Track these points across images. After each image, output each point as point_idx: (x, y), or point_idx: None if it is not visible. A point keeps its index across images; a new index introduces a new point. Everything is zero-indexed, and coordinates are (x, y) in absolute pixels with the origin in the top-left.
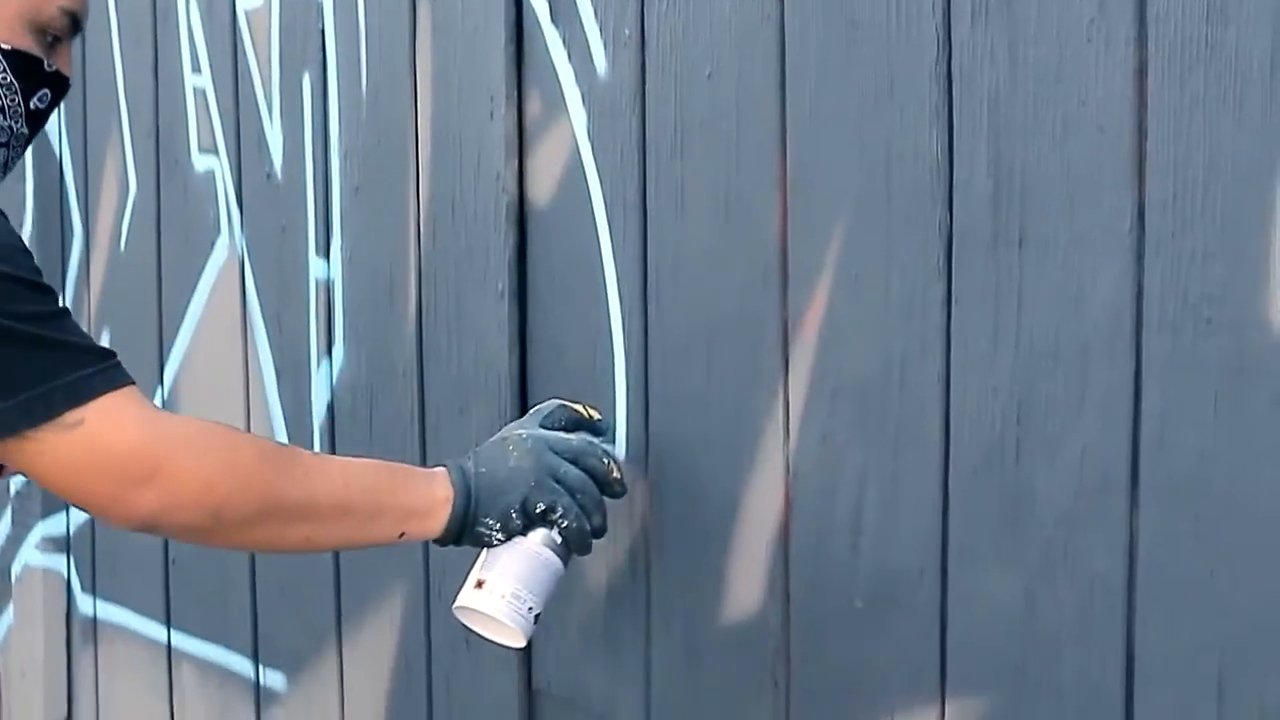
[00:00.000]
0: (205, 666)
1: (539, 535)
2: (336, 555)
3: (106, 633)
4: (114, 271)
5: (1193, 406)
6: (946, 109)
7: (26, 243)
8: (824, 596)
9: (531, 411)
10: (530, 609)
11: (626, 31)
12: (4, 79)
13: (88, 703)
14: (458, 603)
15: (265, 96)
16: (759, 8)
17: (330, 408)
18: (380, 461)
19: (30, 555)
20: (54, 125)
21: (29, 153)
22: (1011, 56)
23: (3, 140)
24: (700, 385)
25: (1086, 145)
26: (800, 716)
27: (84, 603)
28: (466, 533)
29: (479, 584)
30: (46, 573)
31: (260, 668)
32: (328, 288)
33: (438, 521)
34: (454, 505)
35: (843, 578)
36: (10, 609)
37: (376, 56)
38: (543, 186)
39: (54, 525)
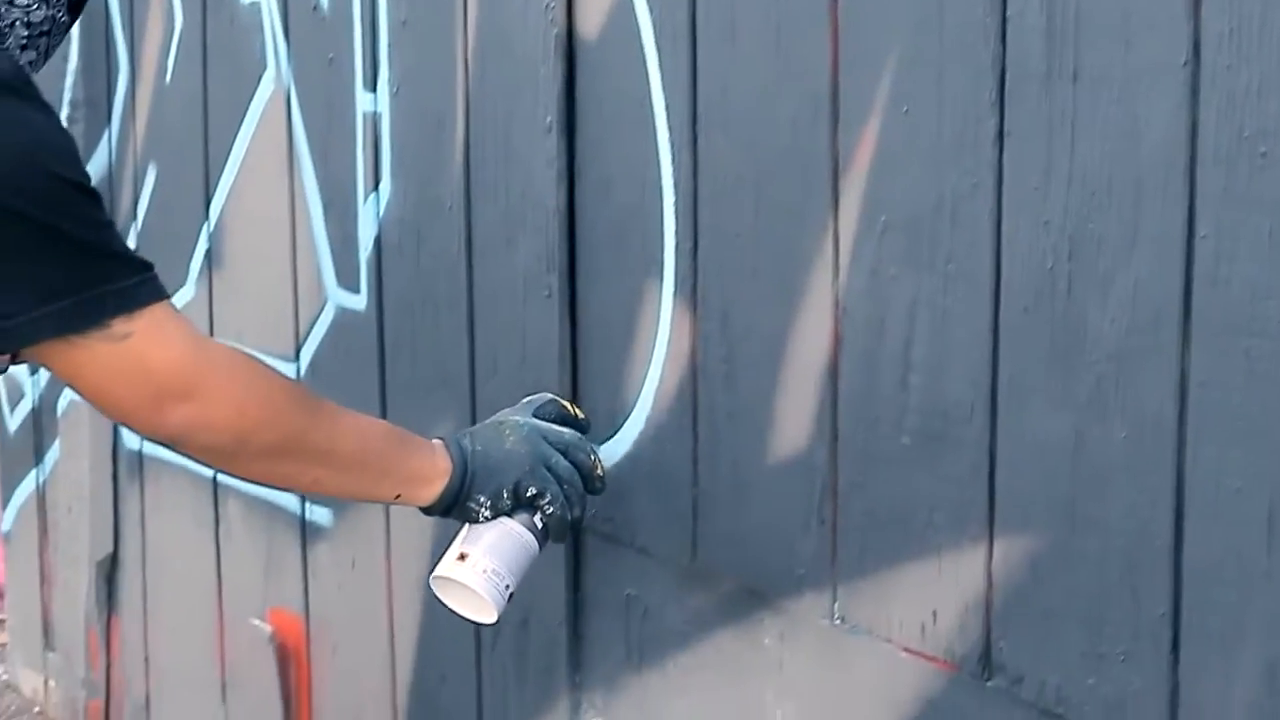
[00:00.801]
0: (251, 501)
1: (523, 518)
2: (383, 393)
3: (153, 467)
4: (160, 105)
5: (1246, 242)
6: None
7: (71, 77)
8: (872, 433)
9: (525, 401)
10: (507, 587)
11: None
12: None
13: (134, 537)
14: (438, 572)
15: None
16: None
17: (377, 242)
18: (390, 425)
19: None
20: None
21: None
22: None
23: (46, 29)
24: (749, 220)
25: None
26: (847, 554)
27: (130, 437)
28: (457, 506)
29: (462, 557)
30: (93, 409)
31: (306, 502)
32: (374, 121)
33: (433, 491)
34: (450, 478)
35: (891, 414)
36: (57, 443)
37: None
38: (591, 18)
39: None
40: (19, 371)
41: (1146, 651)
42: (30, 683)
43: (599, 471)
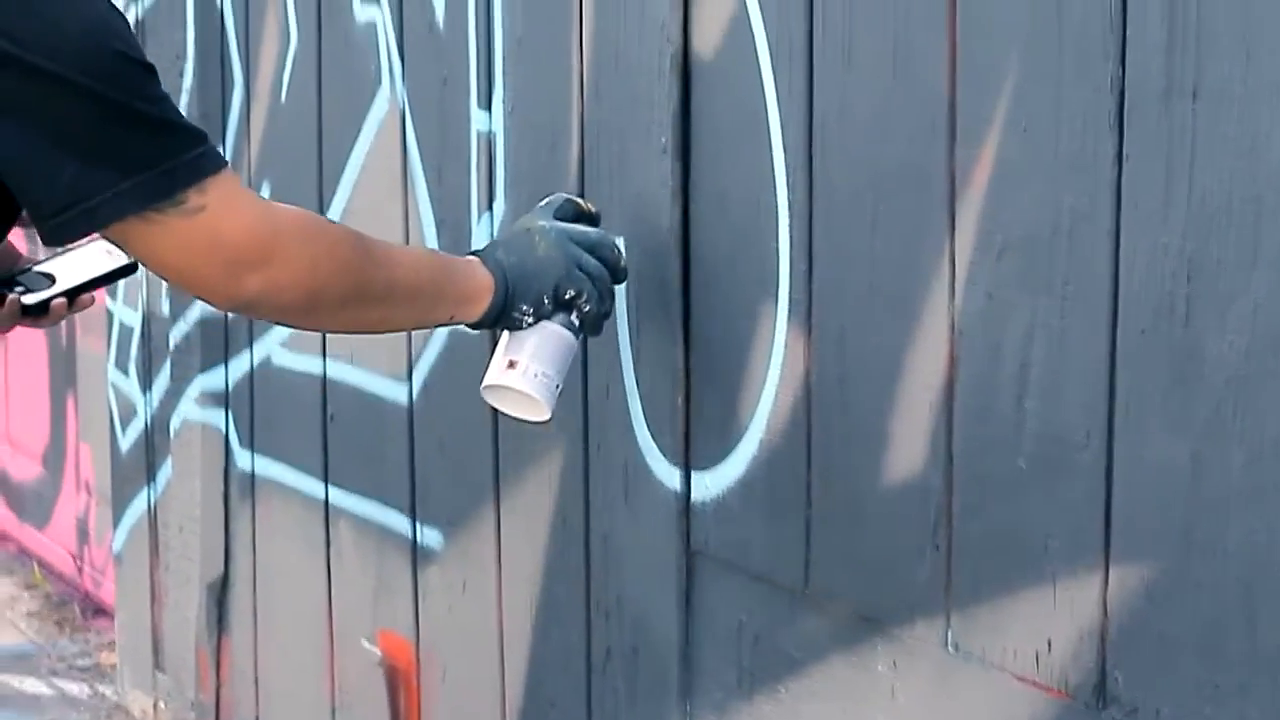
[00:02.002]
0: (362, 524)
1: (560, 318)
2: (495, 412)
3: (264, 488)
4: (274, 123)
5: None
6: None
7: (187, 93)
8: (987, 457)
9: (543, 204)
10: (557, 386)
11: None
12: None
13: (244, 558)
14: (489, 381)
15: None
16: None
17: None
18: (431, 251)
19: (189, 409)
20: None
21: (190, 2)
22: None
23: None
24: (865, 240)
25: None
26: (961, 580)
27: (242, 458)
28: (503, 317)
29: (511, 364)
30: (205, 427)
31: (417, 525)
32: (489, 140)
33: (481, 307)
34: (495, 293)
35: (1007, 438)
36: (169, 463)
37: None
38: (708, 37)
39: (213, 380)
40: (132, 390)
41: (1264, 683)
42: (139, 704)
43: (622, 263)
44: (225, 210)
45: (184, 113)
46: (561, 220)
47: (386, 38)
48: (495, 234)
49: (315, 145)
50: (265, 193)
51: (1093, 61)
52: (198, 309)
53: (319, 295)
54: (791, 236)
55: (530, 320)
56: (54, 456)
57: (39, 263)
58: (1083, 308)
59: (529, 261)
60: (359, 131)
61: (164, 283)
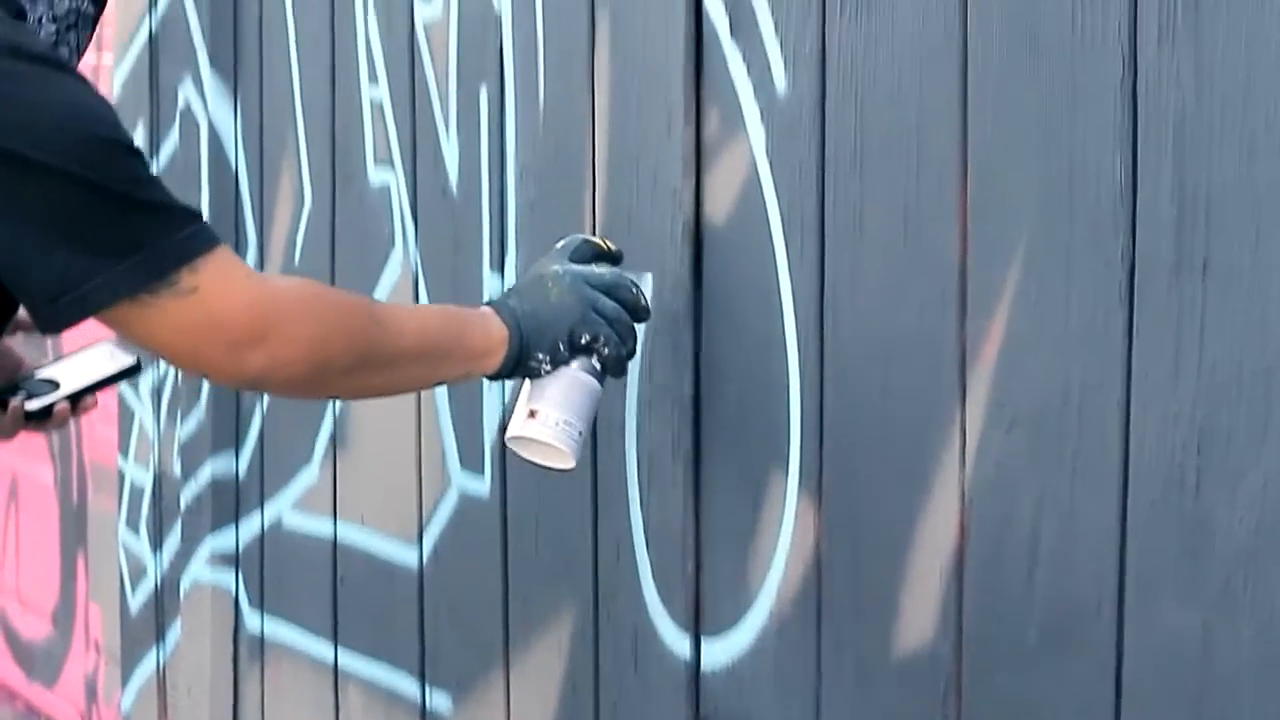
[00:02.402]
0: (371, 687)
1: (581, 363)
2: (505, 577)
3: (273, 650)
4: None
5: None
6: (1131, 130)
7: None
8: (998, 629)
9: (558, 246)
10: (580, 433)
11: (807, 48)
12: None
13: None
14: (512, 432)
15: (442, 110)
16: (942, 26)
17: (503, 428)
18: (439, 306)
19: (199, 570)
20: (229, 135)
21: (204, 161)
22: (1198, 77)
23: (71, 22)
24: (876, 409)
25: (1274, 169)
26: None
27: (251, 619)
28: (520, 367)
29: (532, 414)
30: (215, 588)
31: (427, 688)
32: None
33: (497, 359)
34: (509, 344)
35: (1017, 610)
36: (179, 623)
37: (554, 71)
38: (719, 204)
39: (223, 540)
40: (142, 549)
41: None
42: None
43: (643, 302)
44: (220, 289)
45: None
46: (579, 262)
47: (400, 200)
48: (505, 399)
49: None
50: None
51: (1103, 235)
52: (209, 469)
53: (324, 366)
54: (802, 404)
55: (549, 368)
56: (63, 615)
57: (41, 369)
58: (1093, 479)
59: (543, 308)
60: (372, 293)
61: (174, 444)
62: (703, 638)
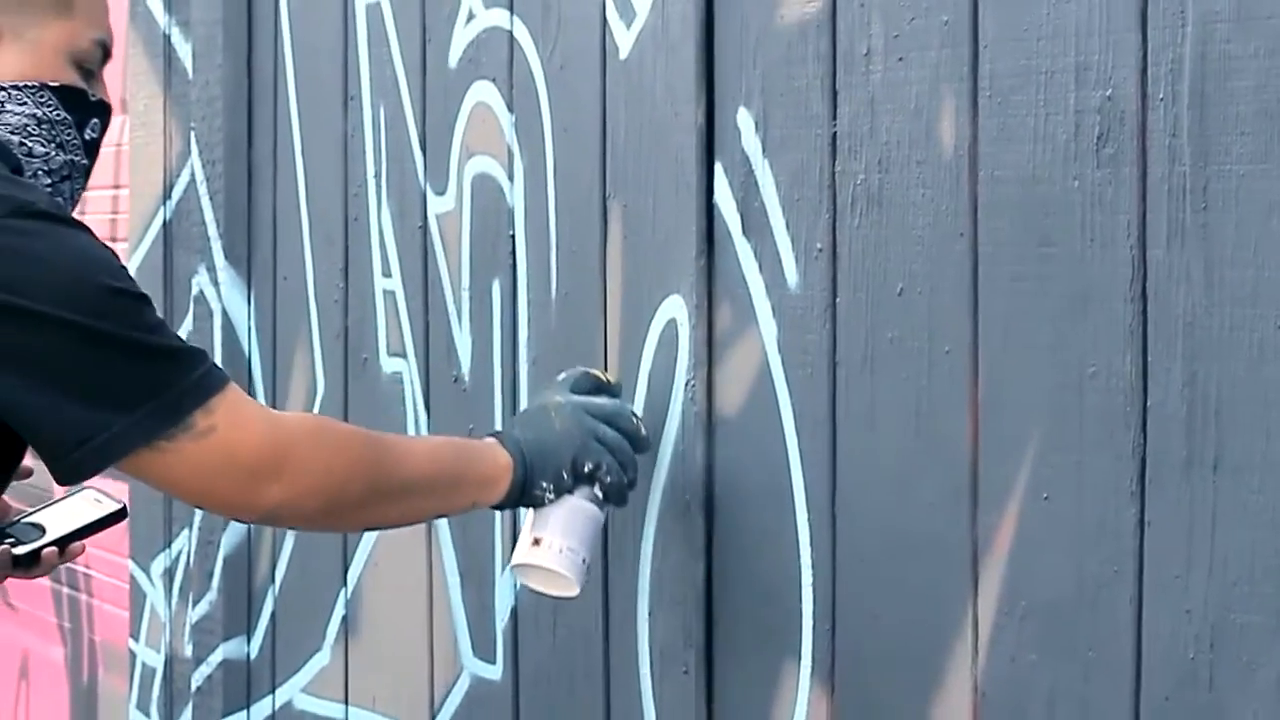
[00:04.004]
0: None
1: (583, 492)
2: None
3: None
4: None
5: None
6: (1141, 330)
7: None
8: None
9: (560, 378)
10: (584, 560)
11: (818, 245)
12: (59, 115)
13: None
14: (517, 560)
15: (455, 301)
16: (952, 225)
17: (514, 612)
18: (445, 438)
19: None
20: (243, 324)
21: (218, 349)
22: (1207, 278)
23: (66, 174)
24: (888, 601)
25: None
26: None
27: None
28: (524, 496)
29: (536, 542)
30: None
31: None
32: None
33: (502, 487)
34: (514, 474)
35: None
36: None
37: (567, 263)
38: (731, 397)
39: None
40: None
41: None
42: None
43: (643, 432)
44: (234, 427)
45: None
46: (580, 393)
47: (413, 389)
48: (518, 587)
49: None
50: (290, 542)
51: (1114, 430)
52: (220, 652)
53: (337, 498)
54: (815, 596)
55: (552, 496)
56: None
57: (28, 514)
58: (1106, 673)
59: (546, 437)
60: None
61: (186, 626)
62: None
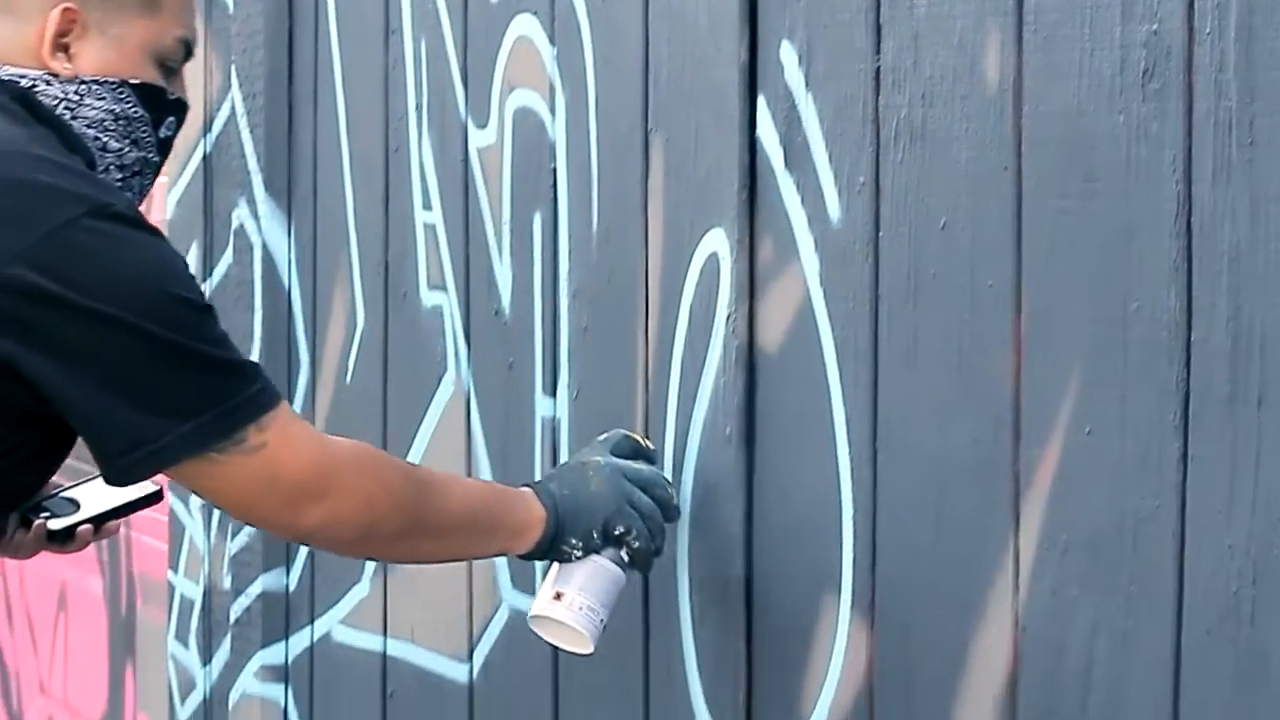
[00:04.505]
0: None
1: (609, 552)
2: (556, 696)
3: None
4: (340, 404)
5: None
6: (1185, 265)
7: None
8: None
9: (600, 439)
10: (601, 620)
11: (861, 179)
12: (136, 112)
13: None
14: (535, 611)
15: (495, 234)
16: (996, 159)
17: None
18: (486, 482)
19: (248, 683)
20: (283, 257)
21: (257, 282)
22: (1253, 213)
23: (137, 169)
24: (929, 536)
25: None
26: None
27: None
28: (552, 549)
29: (557, 596)
30: (264, 701)
31: None
32: (553, 427)
33: (532, 539)
34: (545, 526)
35: None
36: None
37: (608, 198)
38: (773, 332)
39: (273, 655)
40: (191, 662)
41: None
42: None
43: (675, 502)
44: (284, 446)
45: None
46: (618, 456)
47: (453, 323)
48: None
49: (380, 427)
50: None
51: (1157, 365)
52: (259, 584)
53: (375, 527)
54: (855, 530)
55: (579, 553)
56: None
57: (65, 489)
58: (1147, 607)
59: (581, 495)
60: (424, 414)
61: (224, 558)
62: None
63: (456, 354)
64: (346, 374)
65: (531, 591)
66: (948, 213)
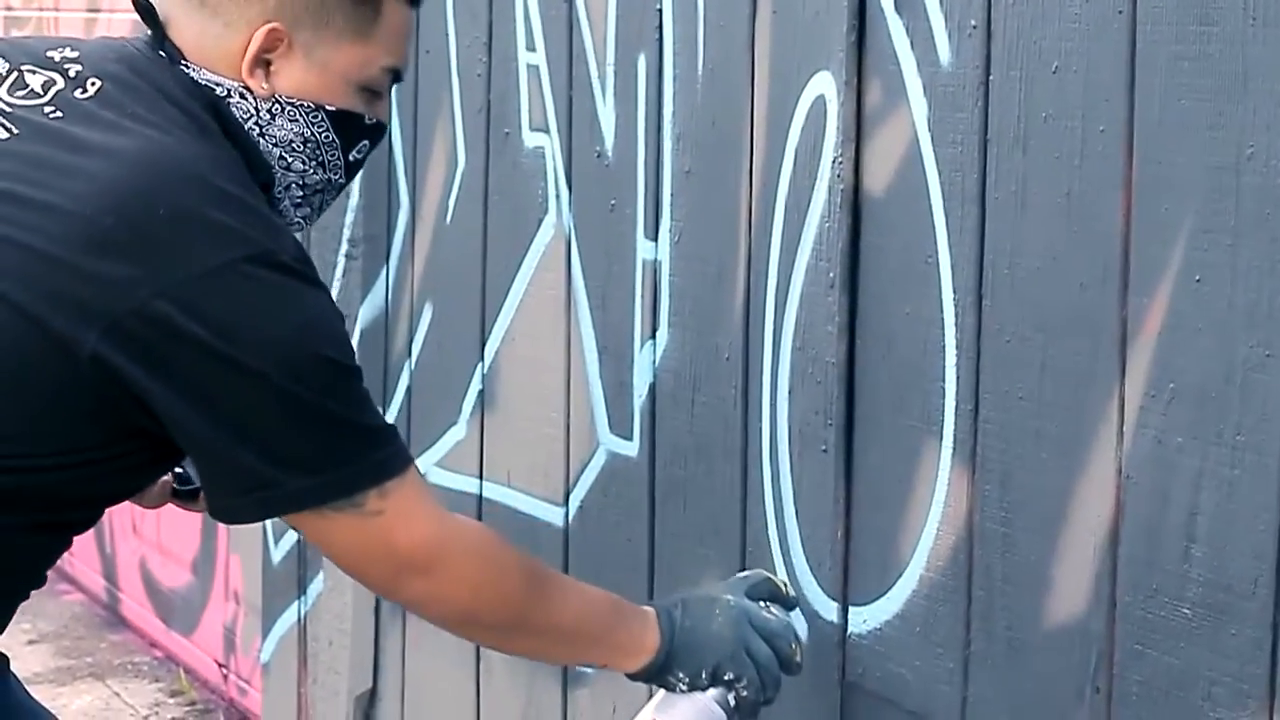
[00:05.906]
0: None
1: (716, 693)
2: (652, 540)
3: None
4: (439, 245)
5: None
6: None
7: (352, 213)
8: (1151, 603)
9: (741, 575)
10: None
11: (972, 22)
12: (327, 137)
13: (393, 674)
14: None
15: (599, 76)
16: (1111, 1)
17: (652, 389)
18: (606, 594)
19: None
20: None
21: None
22: None
23: (319, 188)
24: (1033, 383)
25: None
26: None
27: None
28: (658, 677)
29: None
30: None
31: None
32: (654, 270)
33: (640, 662)
34: (656, 655)
35: (1172, 585)
36: (320, 576)
37: (714, 39)
38: (879, 176)
39: None
40: None
41: None
42: None
43: (798, 658)
44: (402, 518)
45: (348, 234)
46: (755, 598)
47: (555, 164)
48: (656, 363)
49: (479, 269)
50: (427, 316)
51: (1269, 214)
52: None
53: (474, 616)
54: (958, 376)
55: (684, 688)
56: (204, 565)
57: None
58: (1254, 457)
59: (700, 632)
60: (524, 256)
61: None
62: (850, 604)
63: (558, 195)
64: (446, 214)
65: (629, 436)
66: (1060, 56)
